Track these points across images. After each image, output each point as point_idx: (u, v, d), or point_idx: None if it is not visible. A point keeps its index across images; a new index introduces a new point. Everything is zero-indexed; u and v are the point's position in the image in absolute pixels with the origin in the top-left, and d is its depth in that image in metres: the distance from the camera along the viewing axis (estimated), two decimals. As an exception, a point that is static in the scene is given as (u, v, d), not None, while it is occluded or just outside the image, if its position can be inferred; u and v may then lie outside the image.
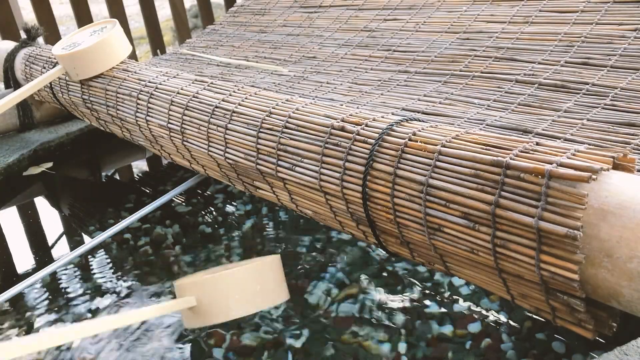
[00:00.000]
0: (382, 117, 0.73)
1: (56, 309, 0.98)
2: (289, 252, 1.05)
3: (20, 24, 1.81)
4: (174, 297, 0.75)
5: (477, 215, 0.56)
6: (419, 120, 0.72)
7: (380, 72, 1.29)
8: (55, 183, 1.48)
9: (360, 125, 0.71)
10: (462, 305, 0.87)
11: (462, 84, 1.13)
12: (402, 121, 0.71)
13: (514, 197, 0.54)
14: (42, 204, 1.42)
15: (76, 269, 1.09)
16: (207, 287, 0.71)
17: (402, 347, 0.80)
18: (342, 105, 1.04)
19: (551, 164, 0.52)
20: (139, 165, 1.57)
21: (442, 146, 0.62)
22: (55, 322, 0.94)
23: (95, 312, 0.95)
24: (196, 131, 0.95)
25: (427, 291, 0.90)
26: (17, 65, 1.55)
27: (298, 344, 0.83)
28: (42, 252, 1.17)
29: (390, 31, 1.46)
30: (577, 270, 0.50)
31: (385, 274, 0.96)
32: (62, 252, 1.14)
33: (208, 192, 1.31)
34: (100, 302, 0.98)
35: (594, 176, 0.49)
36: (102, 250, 1.14)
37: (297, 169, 0.77)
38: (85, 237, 1.20)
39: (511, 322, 0.82)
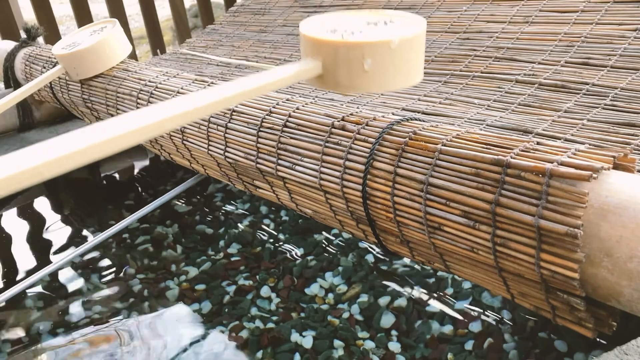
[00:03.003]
0: (383, 116, 0.74)
1: (56, 309, 0.98)
2: (288, 252, 1.05)
3: (20, 24, 1.81)
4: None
5: (477, 213, 0.56)
6: (420, 120, 0.72)
7: (380, 72, 1.29)
8: (55, 183, 1.48)
9: (361, 125, 0.71)
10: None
11: (462, 84, 1.13)
12: (402, 120, 0.71)
13: (515, 195, 0.54)
14: (41, 204, 1.41)
15: (76, 268, 1.09)
16: (339, 52, 0.59)
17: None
18: (342, 105, 1.04)
19: (552, 162, 0.52)
20: (139, 165, 1.57)
21: (442, 145, 0.62)
22: (55, 322, 0.94)
23: (95, 312, 0.95)
24: (196, 130, 0.95)
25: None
26: (17, 65, 1.55)
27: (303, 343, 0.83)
28: (42, 252, 1.17)
29: (390, 31, 1.46)
30: (577, 269, 0.50)
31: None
32: (62, 252, 1.14)
33: (208, 192, 1.31)
34: (100, 301, 0.98)
35: (594, 175, 0.49)
36: (102, 250, 1.13)
37: (297, 167, 0.77)
38: (85, 237, 1.20)
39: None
